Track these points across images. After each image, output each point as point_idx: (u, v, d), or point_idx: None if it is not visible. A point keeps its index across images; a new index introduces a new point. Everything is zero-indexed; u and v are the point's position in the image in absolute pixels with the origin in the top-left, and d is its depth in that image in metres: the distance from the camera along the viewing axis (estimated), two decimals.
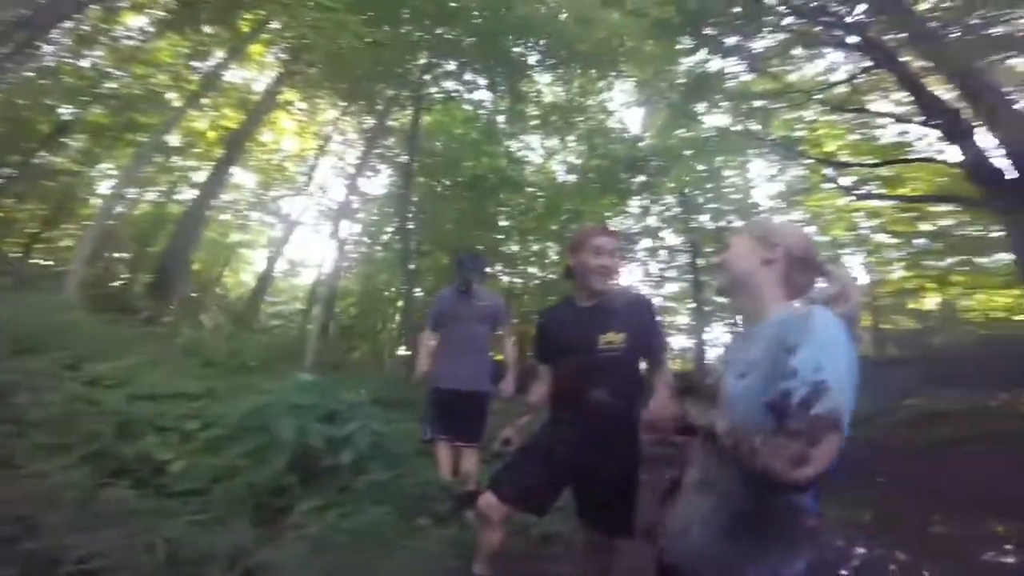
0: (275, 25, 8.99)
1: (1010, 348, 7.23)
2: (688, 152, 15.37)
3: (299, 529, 2.20)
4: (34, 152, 12.34)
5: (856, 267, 15.01)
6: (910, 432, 5.89)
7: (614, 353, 1.94)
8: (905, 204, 11.80)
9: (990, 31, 6.22)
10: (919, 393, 6.85)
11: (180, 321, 5.86)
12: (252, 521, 2.18)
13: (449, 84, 10.87)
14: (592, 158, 15.64)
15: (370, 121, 12.15)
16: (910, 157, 9.86)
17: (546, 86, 12.24)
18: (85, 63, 11.97)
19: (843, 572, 3.13)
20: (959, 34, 6.28)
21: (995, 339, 9.50)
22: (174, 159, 15.32)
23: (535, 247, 17.92)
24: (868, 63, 7.94)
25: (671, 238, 20.45)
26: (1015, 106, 6.79)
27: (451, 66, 10.05)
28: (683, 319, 21.29)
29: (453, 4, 8.17)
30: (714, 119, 12.71)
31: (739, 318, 1.27)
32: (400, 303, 14.01)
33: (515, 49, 8.89)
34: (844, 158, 12.16)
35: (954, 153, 7.35)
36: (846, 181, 12.63)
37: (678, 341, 21.65)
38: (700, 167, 16.52)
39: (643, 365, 2.06)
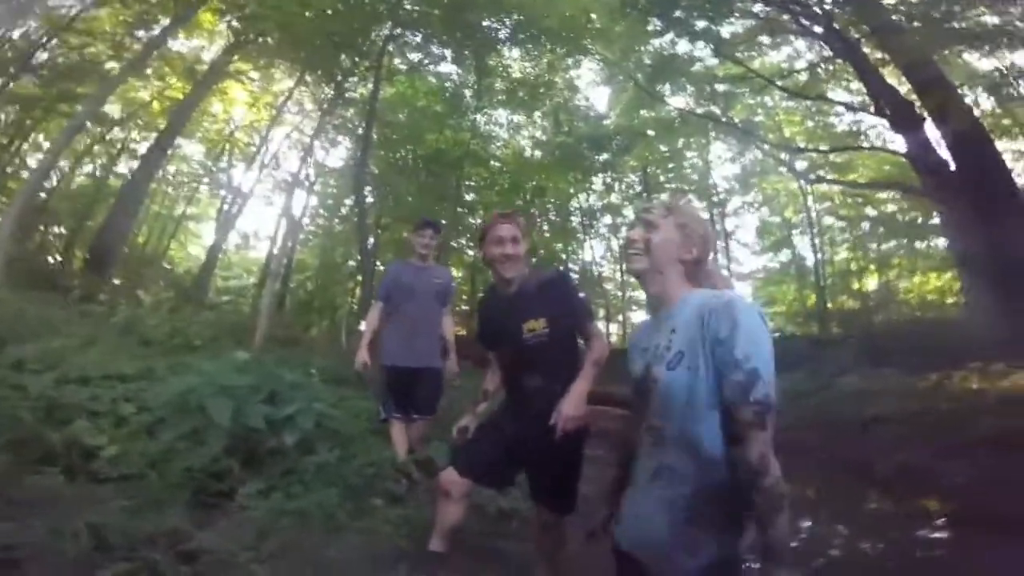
0: None
1: (940, 330, 7.72)
2: (651, 132, 15.57)
3: (242, 512, 2.14)
4: None
5: (806, 247, 15.73)
6: (843, 409, 6.25)
7: (539, 339, 1.94)
8: (853, 190, 12.36)
9: (947, 25, 6.45)
10: (855, 371, 7.26)
11: (117, 299, 5.50)
12: (191, 505, 2.11)
13: (414, 56, 10.48)
14: (558, 135, 15.58)
15: (328, 91, 11.61)
16: (861, 145, 10.27)
17: (514, 61, 11.99)
18: (15, 34, 10.92)
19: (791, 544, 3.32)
20: (918, 26, 6.49)
21: (927, 321, 10.15)
22: (114, 130, 14.32)
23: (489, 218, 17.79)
24: (829, 52, 8.17)
25: (632, 215, 20.77)
26: (963, 99, 7.14)
27: (416, 38, 9.68)
28: (642, 295, 21.77)
29: None
30: (678, 101, 12.87)
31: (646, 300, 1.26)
32: (359, 277, 13.70)
33: (484, 23, 8.62)
34: (800, 144, 12.60)
35: (902, 143, 7.71)
36: (801, 166, 13.14)
37: (638, 316, 22.23)
38: (662, 147, 16.78)
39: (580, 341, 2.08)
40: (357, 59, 9.86)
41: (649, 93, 11.52)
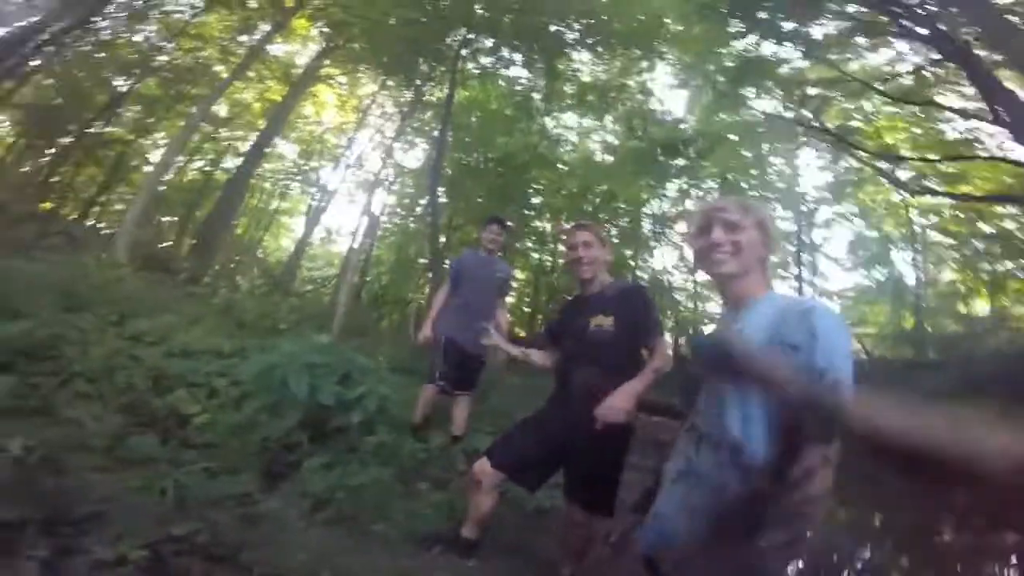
0: (317, 0, 9.10)
1: None
2: (733, 136, 14.83)
3: (305, 483, 2.39)
4: (91, 122, 13.07)
5: (906, 264, 14.29)
6: None
7: (602, 335, 2.02)
8: (965, 203, 11.04)
9: None
10: (951, 399, 6.54)
11: (218, 283, 6.20)
12: (263, 473, 2.38)
13: (485, 60, 10.78)
14: (630, 139, 15.28)
15: (408, 95, 12.24)
16: (977, 154, 9.18)
17: (584, 65, 11.94)
18: (138, 37, 12.48)
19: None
20: None
21: None
22: (221, 130, 15.95)
23: (567, 225, 17.76)
24: (937, 56, 7.40)
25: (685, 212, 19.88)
26: None
27: (488, 42, 9.96)
28: (715, 307, 20.86)
29: None
30: (763, 104, 12.19)
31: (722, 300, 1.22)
32: (429, 274, 14.27)
33: (552, 27, 8.70)
34: (904, 152, 11.47)
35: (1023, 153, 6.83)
36: (904, 176, 11.94)
37: (708, 329, 21.24)
38: (745, 152, 15.93)
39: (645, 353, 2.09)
40: (433, 64, 10.30)
41: (730, 97, 11.00)
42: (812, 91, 9.71)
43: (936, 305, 13.78)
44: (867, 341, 14.20)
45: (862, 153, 11.07)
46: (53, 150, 14.08)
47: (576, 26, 8.97)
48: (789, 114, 11.48)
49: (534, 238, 17.32)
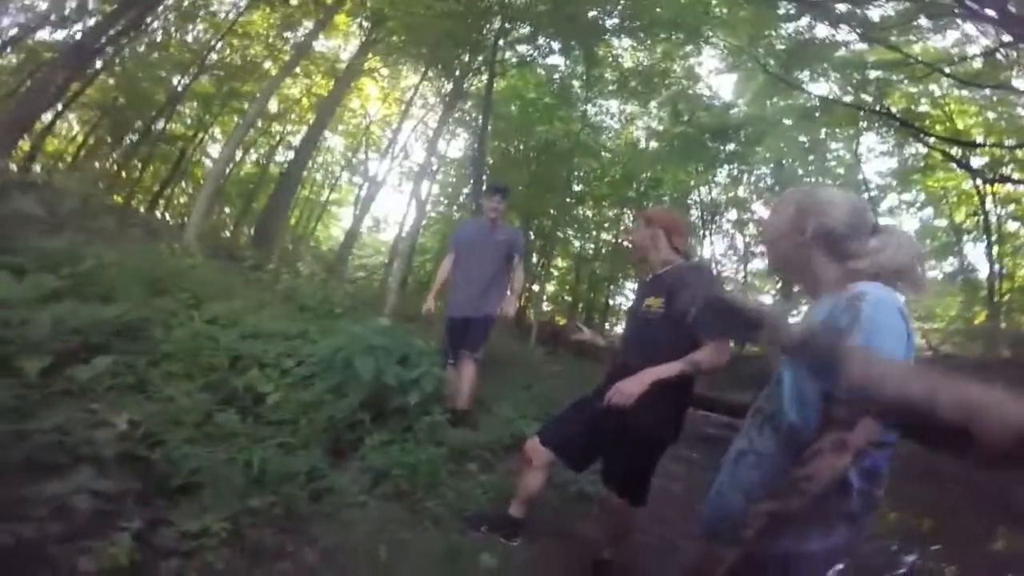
0: None
1: None
2: (787, 121, 14.16)
3: (364, 460, 2.59)
4: (153, 120, 13.95)
5: (979, 256, 13.29)
6: None
7: (652, 316, 1.97)
8: None
9: None
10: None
11: (280, 269, 6.58)
12: (329, 450, 2.59)
13: (523, 48, 10.74)
14: (676, 124, 14.88)
15: (448, 86, 12.38)
16: None
17: (625, 51, 11.67)
18: (189, 37, 13.14)
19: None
20: None
21: None
22: (273, 124, 16.65)
23: (610, 213, 17.56)
24: (1008, 38, 6.81)
25: (763, 211, 19.13)
26: None
27: (524, 30, 9.91)
28: (767, 299, 20.14)
29: None
30: (819, 88, 11.57)
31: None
32: None
33: (590, 14, 8.55)
34: (977, 138, 10.63)
35: None
36: (977, 163, 11.09)
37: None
38: (801, 138, 15.19)
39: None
40: (472, 54, 10.36)
41: (784, 80, 10.49)
42: (873, 74, 9.11)
43: (1012, 300, 12.77)
44: (934, 337, 13.38)
45: (930, 139, 10.34)
46: (121, 147, 15.17)
47: (615, 12, 8.76)
48: (848, 98, 10.85)
49: (576, 226, 17.20)
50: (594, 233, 18.41)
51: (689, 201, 19.73)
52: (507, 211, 3.94)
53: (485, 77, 11.00)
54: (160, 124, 14.62)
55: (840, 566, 1.03)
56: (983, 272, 13.08)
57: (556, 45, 10.45)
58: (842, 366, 0.80)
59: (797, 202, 1.15)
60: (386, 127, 17.68)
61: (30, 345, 2.22)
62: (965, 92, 9.73)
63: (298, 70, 13.21)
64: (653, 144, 16.34)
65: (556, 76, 12.46)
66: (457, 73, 11.08)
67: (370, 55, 13.40)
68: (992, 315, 12.30)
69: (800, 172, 16.41)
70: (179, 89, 13.97)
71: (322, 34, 12.54)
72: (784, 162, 16.47)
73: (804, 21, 8.49)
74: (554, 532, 2.62)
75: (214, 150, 16.81)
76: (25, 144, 12.08)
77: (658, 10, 7.66)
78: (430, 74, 13.33)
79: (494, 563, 2.21)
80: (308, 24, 11.89)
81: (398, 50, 11.91)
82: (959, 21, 7.73)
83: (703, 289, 1.82)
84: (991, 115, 10.70)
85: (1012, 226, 13.03)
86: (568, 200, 15.03)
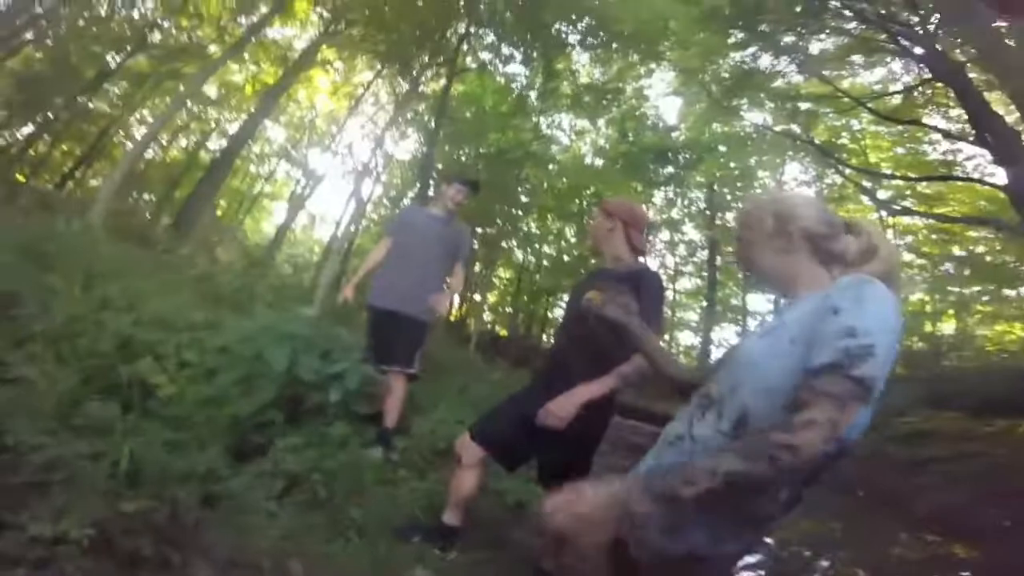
0: None
1: (1016, 381, 7.02)
2: (722, 147, 15.01)
3: (275, 464, 2.26)
4: (76, 96, 12.66)
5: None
6: (897, 449, 5.92)
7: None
8: (940, 224, 11.36)
9: None
10: (915, 412, 6.79)
11: (195, 255, 5.96)
12: (231, 452, 2.24)
13: (485, 55, 10.70)
14: (621, 143, 15.37)
15: (404, 85, 12.08)
16: (956, 175, 9.41)
17: (583, 66, 11.95)
18: (135, 13, 12.14)
19: None
20: None
21: (1002, 369, 9.23)
22: (209, 109, 15.57)
23: (554, 226, 17.80)
24: (928, 75, 7.56)
25: (693, 233, 20.20)
26: None
27: (489, 37, 9.88)
28: (693, 316, 21.15)
29: None
30: (755, 116, 12.35)
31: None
32: None
33: (556, 25, 8.65)
34: (886, 170, 11.73)
35: (1003, 176, 7.01)
36: (884, 195, 12.22)
37: (686, 338, 21.50)
38: (732, 164, 16.16)
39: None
40: (432, 55, 10.18)
41: (724, 107, 11.10)
42: (803, 105, 9.85)
43: (904, 323, 14.10)
44: None
45: (846, 170, 11.30)
46: (34, 122, 13.60)
47: (580, 25, 8.91)
48: (779, 127, 11.65)
49: (521, 235, 17.27)
50: (537, 246, 18.57)
51: None
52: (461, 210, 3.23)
53: (443, 79, 10.82)
54: (84, 101, 13.23)
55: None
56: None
57: (518, 54, 10.47)
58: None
59: (772, 211, 1.11)
60: (332, 122, 17.00)
61: None
62: (881, 127, 10.72)
63: (245, 55, 12.42)
64: (599, 161, 16.80)
65: (514, 85, 12.50)
66: (415, 73, 10.82)
67: (325, 47, 12.84)
68: None
69: (728, 197, 17.45)
70: (112, 67, 12.74)
71: (277, 20, 11.87)
72: (715, 187, 17.46)
73: (751, 50, 9.01)
74: (492, 544, 2.41)
75: (140, 133, 15.43)
76: None
77: (621, 23, 7.83)
78: (386, 71, 12.95)
79: None
80: (264, 8, 11.22)
81: (356, 44, 11.47)
82: (888, 58, 8.51)
83: (649, 296, 1.79)
84: (900, 150, 11.86)
85: (907, 256, 14.42)
86: (514, 211, 15.03)
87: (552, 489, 1.91)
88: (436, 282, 3.12)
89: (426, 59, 10.47)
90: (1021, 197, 6.50)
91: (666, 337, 21.46)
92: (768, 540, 3.19)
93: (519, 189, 14.66)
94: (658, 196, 18.89)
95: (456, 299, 13.74)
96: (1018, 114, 6.79)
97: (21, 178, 12.53)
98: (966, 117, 7.02)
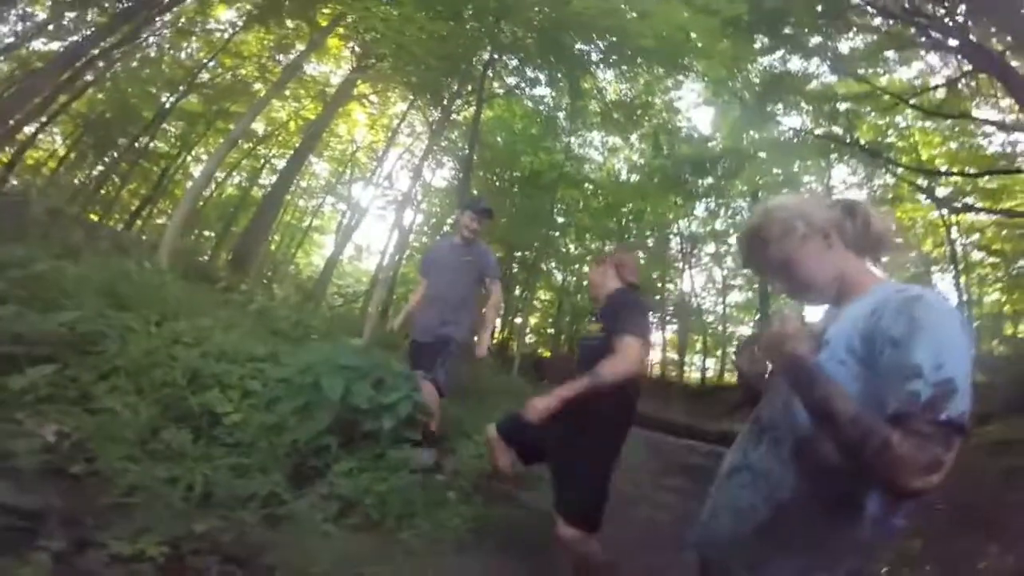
0: (350, 19, 9.45)
1: None
2: (763, 154, 14.61)
3: (331, 487, 2.37)
4: (138, 136, 13.77)
5: (948, 285, 13.70)
6: (980, 460, 5.45)
7: (592, 343, 2.12)
8: (1008, 220, 10.58)
9: None
10: (1000, 420, 6.25)
11: (254, 291, 6.34)
12: (291, 476, 2.38)
13: (511, 80, 10.95)
14: (656, 157, 15.24)
15: (435, 114, 12.51)
16: (1017, 168, 8.82)
17: (609, 83, 12.02)
18: (182, 54, 13.15)
19: None
20: None
21: None
22: (259, 147, 16.58)
23: (592, 245, 17.74)
24: (969, 67, 7.20)
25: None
26: None
27: (513, 62, 10.13)
28: (746, 330, 20.38)
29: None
30: (793, 120, 12.02)
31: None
32: None
33: (577, 46, 8.80)
34: (941, 167, 11.11)
35: None
36: (942, 192, 11.54)
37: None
38: (776, 170, 15.66)
39: None
40: (460, 83, 10.52)
41: (759, 113, 10.88)
42: (842, 106, 9.52)
43: (982, 326, 13.08)
44: None
45: (897, 169, 10.76)
46: (102, 163, 14.89)
47: (601, 44, 9.02)
48: (819, 130, 11.28)
49: (559, 258, 17.27)
50: (576, 266, 18.54)
51: (669, 234, 20.12)
52: (482, 234, 3.59)
53: (473, 107, 11.14)
54: (145, 141, 14.43)
55: None
56: (952, 301, 13.44)
57: (543, 77, 10.67)
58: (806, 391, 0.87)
59: (795, 214, 1.07)
60: (372, 154, 17.74)
61: None
62: (929, 123, 10.21)
63: (287, 92, 13.24)
64: (634, 177, 16.69)
65: (542, 107, 12.71)
66: (445, 102, 11.21)
67: (360, 81, 13.52)
68: None
69: None
70: (167, 106, 13.86)
71: (313, 57, 12.63)
72: (759, 195, 16.94)
73: (779, 54, 8.86)
74: (530, 552, 2.46)
75: (197, 171, 16.61)
76: (5, 155, 11.76)
77: (642, 39, 7.88)
78: (418, 102, 13.47)
79: None
80: (300, 46, 11.98)
81: (388, 77, 12.02)
82: (923, 52, 8.16)
83: (624, 307, 2.08)
84: (953, 145, 11.21)
85: (977, 255, 13.48)
86: (551, 232, 15.11)
87: (561, 511, 1.97)
88: (468, 309, 3.49)
89: (455, 87, 10.83)
90: None
91: (718, 353, 20.75)
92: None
93: (554, 210, 14.75)
94: (699, 208, 18.54)
95: (498, 322, 13.89)
96: None
97: (94, 217, 13.60)
98: (1017, 107, 6.61)
